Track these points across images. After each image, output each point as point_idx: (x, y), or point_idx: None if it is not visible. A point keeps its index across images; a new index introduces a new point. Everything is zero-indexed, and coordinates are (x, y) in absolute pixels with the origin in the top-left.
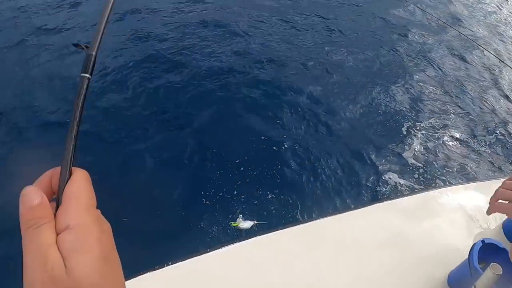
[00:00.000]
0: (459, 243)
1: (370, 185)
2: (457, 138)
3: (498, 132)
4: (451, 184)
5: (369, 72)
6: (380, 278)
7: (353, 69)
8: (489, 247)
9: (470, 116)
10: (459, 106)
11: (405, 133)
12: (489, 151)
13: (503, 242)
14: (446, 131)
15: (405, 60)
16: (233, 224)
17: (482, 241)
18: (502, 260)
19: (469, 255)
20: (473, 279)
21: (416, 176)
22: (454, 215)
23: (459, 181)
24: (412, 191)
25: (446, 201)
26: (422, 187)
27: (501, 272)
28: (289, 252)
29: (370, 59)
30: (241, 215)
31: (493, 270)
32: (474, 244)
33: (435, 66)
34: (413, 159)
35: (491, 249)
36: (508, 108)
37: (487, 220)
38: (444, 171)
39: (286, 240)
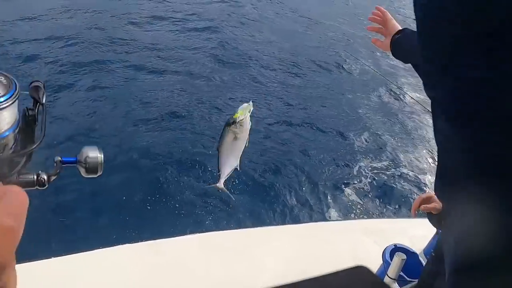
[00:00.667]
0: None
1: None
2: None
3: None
4: (382, 216)
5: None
6: None
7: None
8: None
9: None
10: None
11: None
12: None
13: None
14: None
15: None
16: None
17: (395, 244)
18: (411, 260)
19: (382, 253)
20: (385, 269)
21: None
22: (376, 238)
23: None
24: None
25: (373, 229)
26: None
27: (405, 258)
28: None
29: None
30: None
31: (399, 257)
32: (387, 246)
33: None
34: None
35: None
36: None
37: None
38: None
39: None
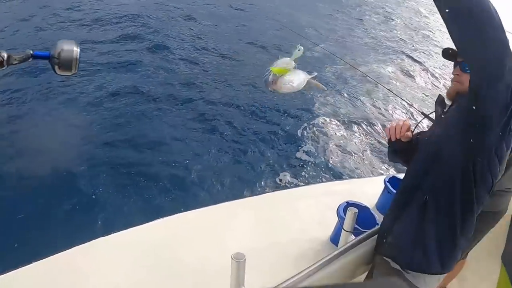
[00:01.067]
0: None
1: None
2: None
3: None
4: (330, 180)
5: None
6: (286, 246)
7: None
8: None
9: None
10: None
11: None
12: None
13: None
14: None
15: None
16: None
17: (347, 201)
18: (364, 214)
19: (337, 211)
20: (341, 225)
21: (304, 172)
22: (328, 200)
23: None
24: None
25: (322, 193)
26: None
27: (357, 211)
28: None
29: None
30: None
31: (351, 211)
32: (340, 204)
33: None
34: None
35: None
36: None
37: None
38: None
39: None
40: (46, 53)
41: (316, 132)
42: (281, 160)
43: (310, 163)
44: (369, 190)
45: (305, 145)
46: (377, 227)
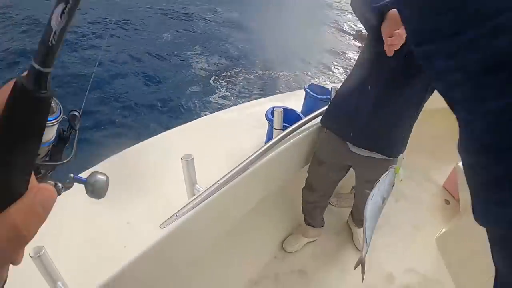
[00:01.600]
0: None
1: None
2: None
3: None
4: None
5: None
6: (226, 156)
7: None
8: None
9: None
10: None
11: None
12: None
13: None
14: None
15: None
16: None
17: (273, 107)
18: (290, 113)
19: (265, 116)
20: (271, 126)
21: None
22: (257, 115)
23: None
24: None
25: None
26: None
27: (283, 110)
28: None
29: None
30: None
31: (278, 110)
32: (267, 110)
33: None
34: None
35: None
36: None
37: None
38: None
39: None
40: (84, 179)
41: (228, 76)
42: (199, 105)
43: (227, 104)
44: (291, 102)
45: (220, 89)
46: (310, 116)
